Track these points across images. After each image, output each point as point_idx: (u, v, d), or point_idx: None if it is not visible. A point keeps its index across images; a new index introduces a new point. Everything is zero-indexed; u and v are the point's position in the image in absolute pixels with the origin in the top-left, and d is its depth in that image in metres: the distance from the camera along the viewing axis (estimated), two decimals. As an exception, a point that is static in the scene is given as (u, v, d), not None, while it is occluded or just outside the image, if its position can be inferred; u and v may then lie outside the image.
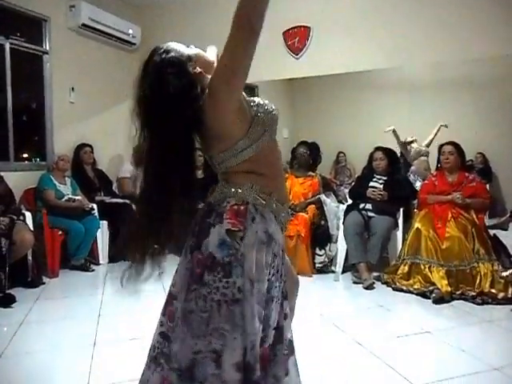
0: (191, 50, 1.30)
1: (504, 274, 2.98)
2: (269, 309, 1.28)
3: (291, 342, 1.34)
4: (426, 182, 3.72)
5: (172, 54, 1.24)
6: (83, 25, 4.54)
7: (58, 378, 2.06)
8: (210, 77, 1.23)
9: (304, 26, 4.49)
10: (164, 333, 1.31)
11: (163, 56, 1.24)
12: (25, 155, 4.58)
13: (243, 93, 1.27)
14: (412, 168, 5.31)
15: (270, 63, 4.76)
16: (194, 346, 1.23)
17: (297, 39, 4.53)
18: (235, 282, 1.21)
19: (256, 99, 1.32)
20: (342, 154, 7.40)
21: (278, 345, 1.30)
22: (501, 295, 2.98)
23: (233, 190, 1.27)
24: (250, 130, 1.25)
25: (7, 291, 3.09)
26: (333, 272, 3.82)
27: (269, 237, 1.25)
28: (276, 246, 1.27)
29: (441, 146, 3.60)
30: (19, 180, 3.99)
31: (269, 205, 1.28)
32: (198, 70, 1.25)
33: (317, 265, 3.82)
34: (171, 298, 1.34)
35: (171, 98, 1.20)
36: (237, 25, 1.13)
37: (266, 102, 1.33)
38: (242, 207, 1.24)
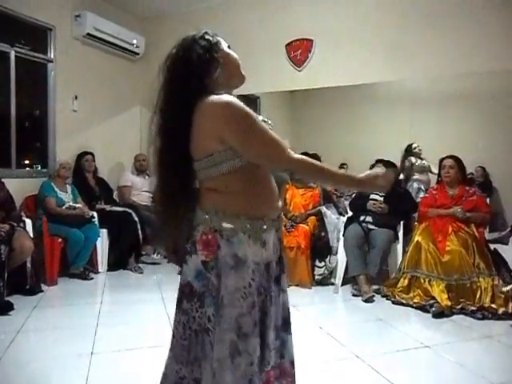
0: (225, 46, 1.36)
1: (504, 289, 2.97)
2: (263, 328, 1.28)
3: None
4: (426, 195, 3.72)
5: (208, 35, 1.33)
6: (88, 34, 4.59)
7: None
8: (227, 73, 1.31)
9: (307, 39, 4.53)
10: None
11: (202, 33, 1.33)
12: (26, 162, 4.59)
13: None
14: (417, 176, 5.32)
15: (272, 75, 4.81)
16: (179, 371, 1.29)
17: (299, 52, 4.56)
18: (206, 311, 1.24)
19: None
20: (344, 166, 7.41)
21: None
22: (501, 310, 2.96)
23: (202, 216, 1.28)
24: (232, 149, 1.24)
25: (5, 298, 3.08)
26: (332, 284, 3.80)
27: (238, 260, 1.24)
28: (252, 265, 1.25)
29: (441, 160, 3.61)
30: (20, 187, 4.00)
31: (240, 227, 1.25)
32: (221, 59, 1.31)
33: (316, 277, 3.80)
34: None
35: (190, 63, 1.27)
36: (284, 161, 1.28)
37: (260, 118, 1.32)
38: (209, 236, 1.25)
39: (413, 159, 5.67)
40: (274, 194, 1.35)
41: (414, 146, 5.73)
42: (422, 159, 5.78)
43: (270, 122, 1.36)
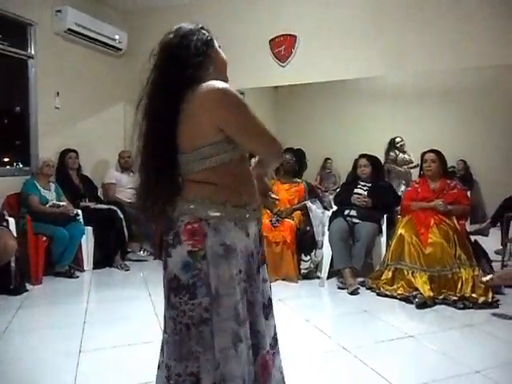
0: (217, 44, 1.39)
1: (484, 278, 3.04)
2: (253, 316, 1.31)
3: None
4: (409, 188, 3.79)
5: (204, 30, 1.36)
6: (69, 30, 4.53)
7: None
8: (217, 70, 1.34)
9: (290, 35, 4.56)
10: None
11: (199, 26, 1.36)
12: (7, 160, 4.52)
13: None
14: (398, 169, 5.41)
15: (256, 70, 4.82)
16: (173, 369, 1.25)
17: (283, 47, 4.59)
18: (201, 302, 1.23)
19: None
20: (329, 160, 7.47)
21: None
22: (481, 300, 3.04)
23: (185, 206, 1.27)
24: (222, 143, 1.26)
25: (-11, 299, 3.06)
26: (318, 278, 3.85)
27: (227, 248, 1.25)
28: (240, 253, 1.28)
29: (423, 154, 3.68)
30: (2, 185, 3.95)
31: (226, 214, 1.27)
32: (214, 56, 1.34)
33: (302, 270, 3.84)
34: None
35: (188, 51, 1.27)
36: (272, 150, 1.35)
37: None
38: (195, 225, 1.24)
39: (396, 153, 5.78)
40: (254, 186, 1.38)
41: (397, 140, 5.84)
42: (404, 153, 5.89)
43: None
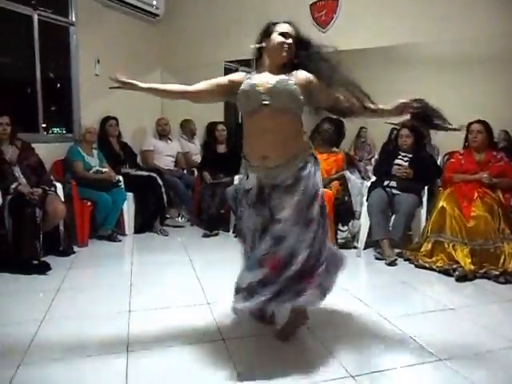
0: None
1: (529, 254, 2.99)
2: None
3: None
4: (452, 160, 3.69)
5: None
6: (108, -5, 4.53)
7: (97, 342, 2.16)
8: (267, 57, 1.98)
9: (332, -1, 4.40)
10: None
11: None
12: (52, 127, 4.65)
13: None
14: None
15: (295, 36, 4.70)
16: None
17: (324, 12, 4.45)
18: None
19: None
20: (364, 129, 7.30)
21: None
22: (524, 275, 3.00)
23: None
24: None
25: (41, 259, 3.23)
26: (355, 248, 3.87)
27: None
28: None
29: (469, 125, 3.55)
30: (48, 152, 4.08)
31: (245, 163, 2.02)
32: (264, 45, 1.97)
33: (339, 240, 3.86)
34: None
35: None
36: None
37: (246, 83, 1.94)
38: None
39: None
40: (254, 150, 1.96)
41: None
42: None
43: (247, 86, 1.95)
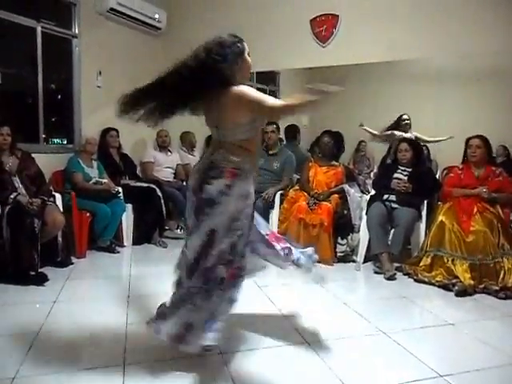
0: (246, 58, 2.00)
1: (529, 269, 2.98)
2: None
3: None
4: (451, 174, 3.70)
5: (238, 44, 1.96)
6: (111, 9, 4.60)
7: (94, 355, 2.14)
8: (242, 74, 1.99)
9: (332, 15, 4.46)
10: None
11: (237, 39, 1.97)
12: (53, 137, 4.66)
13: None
14: None
15: (295, 51, 4.76)
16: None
17: (324, 27, 4.50)
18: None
19: None
20: (363, 143, 7.34)
21: None
22: (524, 290, 2.99)
23: (232, 157, 1.93)
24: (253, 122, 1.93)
25: (39, 270, 3.20)
26: (354, 261, 3.86)
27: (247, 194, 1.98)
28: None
29: (468, 140, 3.57)
30: (48, 162, 4.08)
31: (249, 171, 1.98)
32: (237, 67, 1.95)
33: (338, 254, 3.86)
34: None
35: (225, 58, 1.90)
36: (267, 110, 1.85)
37: None
38: (236, 171, 1.91)
39: (396, 133, 5.20)
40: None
41: (404, 117, 5.28)
42: (405, 132, 5.33)
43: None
